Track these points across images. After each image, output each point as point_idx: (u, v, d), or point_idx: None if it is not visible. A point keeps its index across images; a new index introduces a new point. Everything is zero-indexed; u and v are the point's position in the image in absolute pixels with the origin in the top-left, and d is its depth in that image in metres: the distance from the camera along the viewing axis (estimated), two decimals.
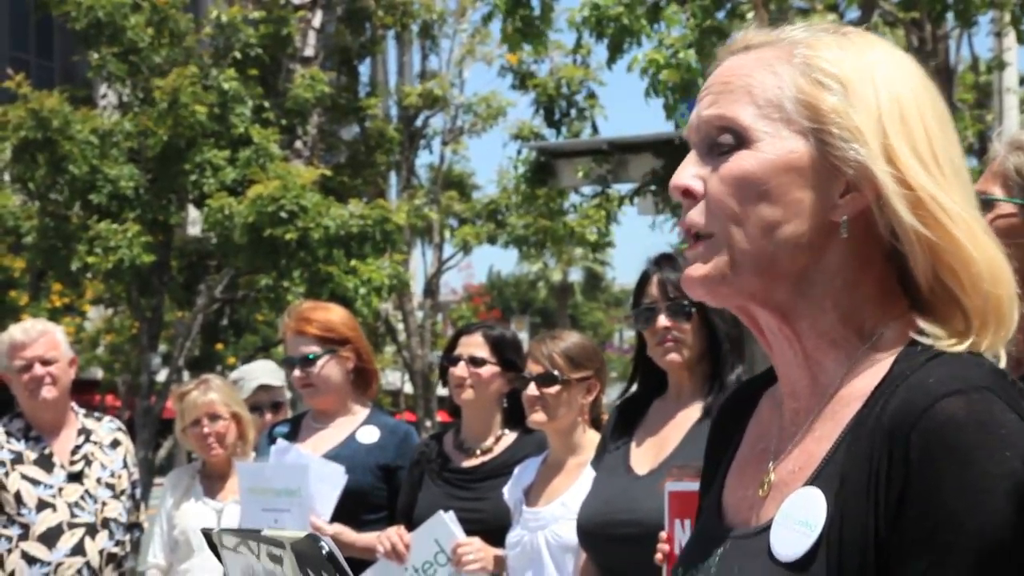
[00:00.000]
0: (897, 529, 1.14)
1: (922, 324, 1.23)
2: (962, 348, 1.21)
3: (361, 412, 4.10)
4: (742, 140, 1.25)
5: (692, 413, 3.09)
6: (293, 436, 4.09)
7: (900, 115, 1.22)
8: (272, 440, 4.11)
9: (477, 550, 3.51)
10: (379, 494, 3.92)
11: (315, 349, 4.00)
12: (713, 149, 1.27)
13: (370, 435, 3.99)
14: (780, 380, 1.33)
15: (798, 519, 1.19)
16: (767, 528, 1.23)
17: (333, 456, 3.92)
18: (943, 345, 1.21)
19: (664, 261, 3.14)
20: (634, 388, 3.30)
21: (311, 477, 3.80)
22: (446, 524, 3.56)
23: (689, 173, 1.28)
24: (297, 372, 4.01)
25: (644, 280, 3.14)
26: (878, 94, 1.23)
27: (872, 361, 1.24)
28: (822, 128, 1.22)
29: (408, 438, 4.06)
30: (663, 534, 2.80)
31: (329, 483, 3.82)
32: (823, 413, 1.25)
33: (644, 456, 3.10)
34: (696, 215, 1.27)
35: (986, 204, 2.07)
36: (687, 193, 1.27)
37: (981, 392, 1.15)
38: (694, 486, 2.82)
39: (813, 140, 1.23)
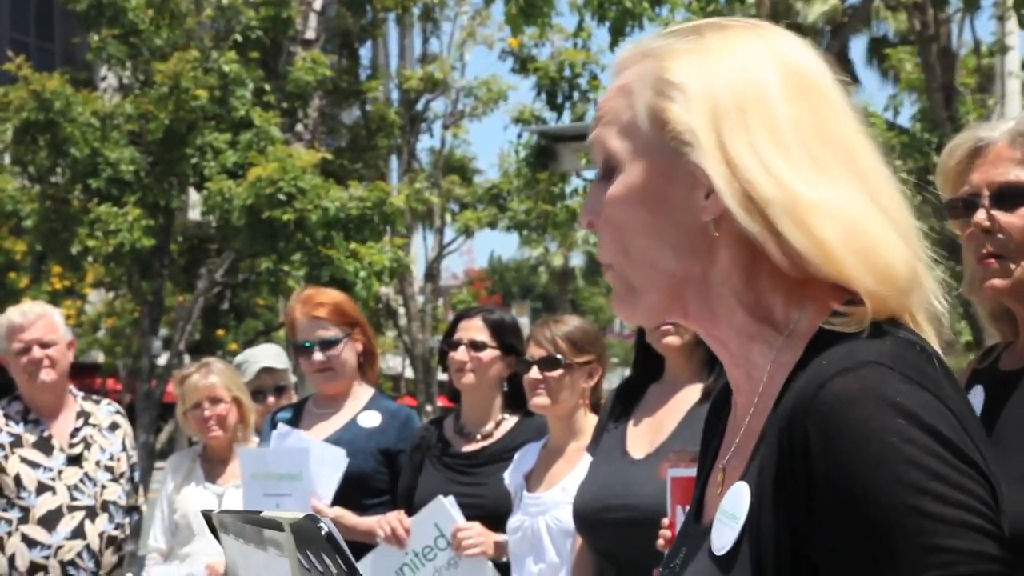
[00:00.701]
0: (810, 515, 1.14)
1: (833, 305, 1.23)
2: (866, 320, 1.20)
3: (363, 396, 4.09)
4: (614, 166, 1.28)
5: (690, 396, 3.08)
6: (295, 421, 4.08)
7: (737, 106, 1.23)
8: (274, 425, 4.10)
9: (477, 535, 3.51)
10: (380, 478, 3.91)
11: (335, 332, 3.99)
12: (601, 177, 1.31)
13: (372, 419, 3.98)
14: (728, 377, 1.35)
15: (729, 513, 1.22)
16: (711, 524, 1.26)
17: (335, 440, 3.91)
18: (852, 321, 1.20)
19: None
20: (630, 372, 3.29)
21: (312, 461, 3.79)
22: (446, 509, 3.55)
23: (587, 208, 1.32)
24: (318, 356, 3.97)
25: None
26: (716, 91, 1.23)
27: (790, 350, 1.24)
28: (670, 138, 1.25)
29: (409, 422, 4.05)
30: (665, 520, 2.79)
31: (330, 466, 3.82)
32: (756, 407, 1.27)
33: (640, 440, 3.09)
34: (599, 248, 1.32)
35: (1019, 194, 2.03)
36: (590, 225, 1.31)
37: (870, 367, 1.15)
38: (695, 471, 2.82)
39: (669, 152, 1.25)
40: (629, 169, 1.27)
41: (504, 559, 3.51)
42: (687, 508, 2.73)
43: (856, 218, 1.21)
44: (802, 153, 1.22)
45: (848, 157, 1.24)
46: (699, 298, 1.27)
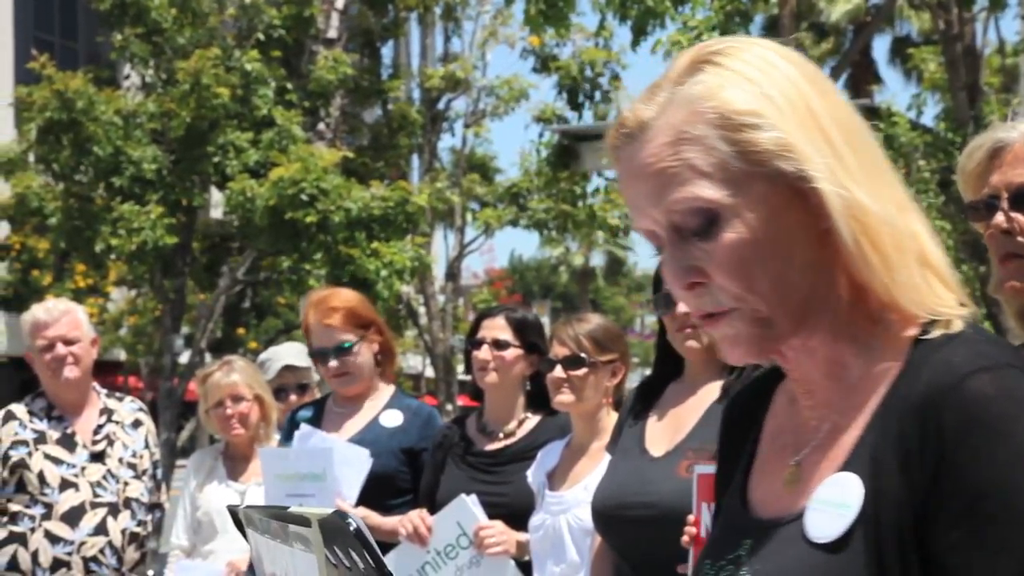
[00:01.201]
0: (934, 505, 1.16)
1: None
2: (959, 322, 1.24)
3: (384, 394, 4.07)
4: (714, 217, 1.24)
5: (710, 394, 3.08)
6: (316, 420, 4.07)
7: (805, 111, 1.24)
8: (295, 424, 4.09)
9: (499, 533, 3.50)
10: (404, 478, 3.90)
11: (349, 336, 3.96)
12: (683, 234, 1.26)
13: (393, 419, 3.97)
14: (793, 379, 1.34)
15: (833, 502, 1.22)
16: (799, 516, 1.25)
17: (357, 440, 3.90)
18: (943, 315, 1.24)
19: None
20: (650, 371, 3.29)
21: (335, 460, 3.78)
22: (468, 507, 3.55)
23: (680, 267, 1.27)
24: (333, 363, 3.95)
25: None
26: (781, 106, 1.24)
27: (888, 346, 1.26)
28: (768, 164, 1.23)
29: (431, 420, 4.05)
30: (690, 517, 2.78)
31: (354, 467, 3.80)
32: (845, 405, 1.27)
33: (660, 438, 3.08)
34: (707, 303, 1.27)
35: None
36: (690, 286, 1.27)
37: (1007, 369, 1.18)
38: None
39: (769, 179, 1.23)
40: (736, 210, 1.23)
41: (526, 558, 3.50)
42: (714, 505, 2.73)
43: (898, 231, 1.24)
44: (850, 152, 1.25)
45: (875, 153, 1.28)
46: (820, 310, 1.27)
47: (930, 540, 1.16)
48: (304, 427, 4.00)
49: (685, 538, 2.79)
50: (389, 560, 3.56)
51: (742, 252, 1.23)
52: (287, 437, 4.11)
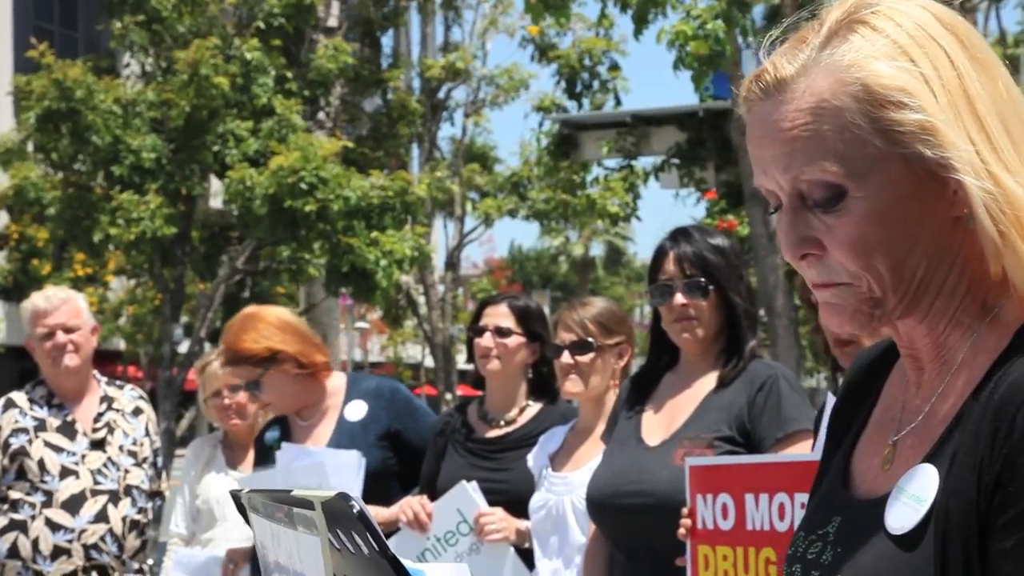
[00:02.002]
0: (994, 505, 1.12)
1: None
2: None
3: (339, 388, 3.94)
4: (842, 193, 1.20)
5: (706, 384, 3.07)
6: (284, 439, 3.96)
7: (958, 94, 1.18)
8: (265, 447, 3.99)
9: (500, 520, 3.50)
10: (391, 464, 3.86)
11: (252, 373, 3.83)
12: (805, 203, 1.23)
13: (358, 410, 3.87)
14: (904, 356, 1.31)
15: (911, 494, 1.19)
16: (883, 500, 1.22)
17: (333, 447, 3.80)
18: None
19: (681, 236, 3.10)
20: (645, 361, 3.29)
21: (329, 471, 3.68)
22: (468, 494, 3.54)
23: (798, 238, 1.23)
24: (249, 397, 3.92)
25: (660, 255, 3.11)
26: (943, 84, 1.18)
27: (992, 337, 1.22)
28: (911, 146, 1.18)
29: (395, 395, 3.95)
30: (685, 509, 2.78)
31: (349, 471, 3.72)
32: (945, 390, 1.24)
33: (656, 427, 3.08)
34: (824, 273, 1.24)
35: None
36: (804, 257, 1.24)
37: None
38: (714, 460, 2.81)
39: (908, 161, 1.19)
40: (868, 187, 1.20)
41: (526, 545, 3.50)
42: (709, 497, 2.73)
43: None
44: (1005, 136, 1.19)
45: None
46: (932, 293, 1.24)
47: (991, 543, 1.12)
48: (287, 446, 3.87)
49: (681, 531, 2.78)
50: (394, 544, 3.56)
51: (865, 232, 1.20)
52: (261, 461, 3.99)
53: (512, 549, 3.52)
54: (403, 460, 3.85)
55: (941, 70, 1.19)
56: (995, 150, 1.18)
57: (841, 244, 1.21)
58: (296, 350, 3.82)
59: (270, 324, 3.85)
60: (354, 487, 3.73)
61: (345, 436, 3.84)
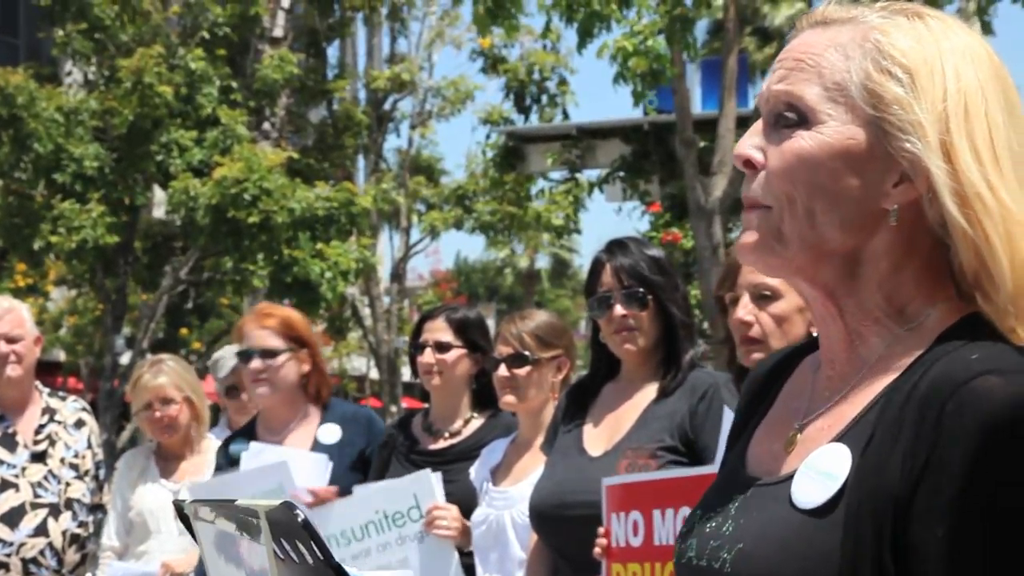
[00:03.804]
0: (920, 491, 1.16)
1: (967, 311, 1.25)
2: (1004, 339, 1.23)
3: (314, 414, 3.98)
4: (805, 119, 1.27)
5: (647, 395, 3.11)
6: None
7: (964, 109, 1.23)
8: (229, 457, 3.97)
9: (453, 518, 3.50)
10: None
11: (277, 344, 3.89)
12: (778, 123, 1.29)
13: (331, 434, 3.89)
14: (821, 346, 1.36)
15: (821, 470, 1.23)
16: (789, 478, 1.26)
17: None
18: (985, 332, 1.23)
19: (617, 248, 3.14)
20: (587, 372, 3.32)
21: (293, 471, 3.68)
22: (430, 484, 3.54)
23: (750, 143, 1.31)
24: (256, 363, 3.86)
25: (597, 268, 3.14)
26: (945, 86, 1.24)
27: (914, 339, 1.27)
28: (883, 117, 1.24)
29: (372, 422, 4.01)
30: (601, 529, 2.83)
31: (314, 474, 3.71)
32: (859, 381, 1.29)
33: (598, 438, 3.11)
34: (755, 187, 1.30)
35: None
36: (748, 163, 1.30)
37: (1022, 375, 1.16)
38: (627, 479, 2.87)
39: (873, 128, 1.25)
40: (827, 129, 1.26)
41: (469, 548, 3.52)
42: (622, 516, 2.77)
43: None
44: (1011, 172, 1.24)
45: None
46: (840, 271, 1.28)
47: (911, 528, 1.16)
48: (255, 444, 3.88)
49: (597, 550, 2.83)
50: (334, 508, 3.55)
51: (802, 160, 1.26)
52: (225, 470, 3.95)
53: (456, 552, 3.53)
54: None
55: (965, 83, 1.24)
56: (1003, 178, 1.22)
57: (777, 160, 1.28)
58: (319, 358, 3.99)
59: (304, 320, 4.10)
60: (320, 485, 3.72)
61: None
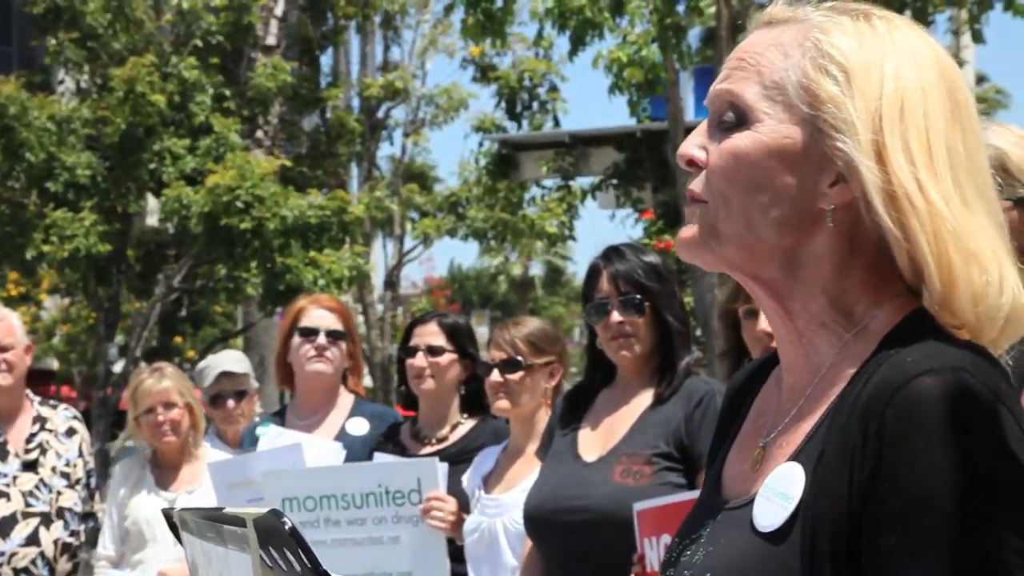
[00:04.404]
0: (869, 504, 1.15)
1: (912, 307, 1.25)
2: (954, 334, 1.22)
3: (346, 403, 4.06)
4: (743, 119, 1.27)
5: (643, 400, 3.11)
6: None
7: (900, 109, 1.23)
8: (255, 440, 4.03)
9: (449, 512, 3.49)
10: None
11: (339, 327, 4.04)
12: (721, 124, 1.30)
13: (360, 427, 3.96)
14: (779, 353, 1.36)
15: (779, 492, 1.22)
16: (752, 500, 1.25)
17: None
18: (932, 328, 1.22)
19: (613, 254, 3.14)
20: (582, 378, 3.32)
21: (306, 455, 3.73)
22: (435, 472, 3.54)
23: (694, 143, 1.32)
24: (322, 339, 3.98)
25: (594, 274, 3.14)
26: (882, 86, 1.23)
27: (862, 343, 1.26)
28: (818, 116, 1.24)
29: (397, 421, 4.05)
30: (636, 555, 2.82)
31: (326, 460, 3.77)
32: (814, 393, 1.28)
33: (593, 443, 3.11)
34: (696, 183, 1.31)
35: None
36: (691, 163, 1.31)
37: (956, 372, 1.16)
38: (659, 502, 2.84)
39: (809, 127, 1.25)
40: (764, 128, 1.26)
41: (459, 543, 3.51)
42: (654, 539, 2.75)
43: (983, 259, 1.22)
44: (948, 175, 1.23)
45: (984, 188, 1.26)
46: (781, 271, 1.28)
47: (864, 540, 1.15)
48: (273, 428, 3.99)
49: None
50: (341, 474, 3.57)
51: (739, 162, 1.26)
52: (249, 448, 4.04)
53: (444, 543, 3.52)
54: None
55: (903, 83, 1.23)
56: (935, 178, 1.22)
57: (716, 159, 1.28)
58: (359, 354, 4.14)
59: (354, 324, 4.25)
60: None
61: (345, 447, 3.88)
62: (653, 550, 2.78)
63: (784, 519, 1.20)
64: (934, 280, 1.21)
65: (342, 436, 3.93)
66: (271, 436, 3.93)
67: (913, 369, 1.17)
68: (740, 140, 1.27)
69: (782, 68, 1.27)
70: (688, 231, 1.31)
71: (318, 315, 4.04)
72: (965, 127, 1.26)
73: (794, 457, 1.24)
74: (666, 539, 2.74)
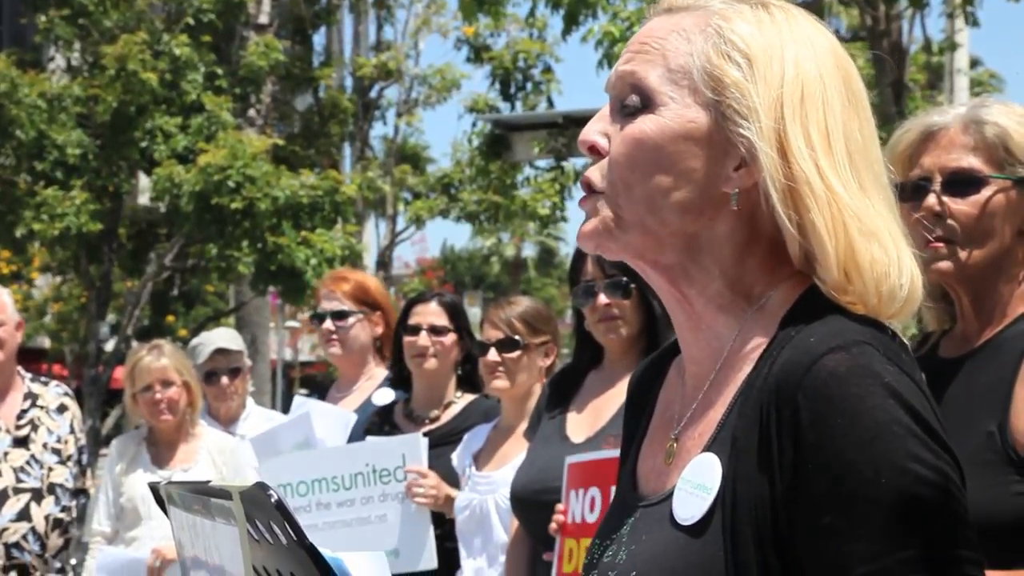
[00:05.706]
0: (796, 487, 1.16)
1: (805, 285, 1.26)
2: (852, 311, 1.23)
3: (379, 376, 4.14)
4: (647, 102, 1.27)
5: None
6: None
7: (801, 96, 1.24)
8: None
9: (430, 487, 3.51)
10: None
11: (349, 307, 4.09)
12: (624, 108, 1.29)
13: (385, 397, 3.98)
14: (680, 341, 1.35)
15: (696, 483, 1.22)
16: (670, 495, 1.25)
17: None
18: (827, 305, 1.23)
19: None
20: (570, 360, 3.33)
21: (314, 423, 3.83)
22: (419, 448, 3.57)
23: (596, 129, 1.31)
24: (328, 324, 4.10)
25: (580, 257, 3.15)
26: (783, 73, 1.24)
27: (761, 324, 1.26)
28: (722, 101, 1.24)
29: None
30: (559, 506, 2.85)
31: (334, 428, 3.86)
32: (718, 378, 1.28)
33: (580, 425, 3.13)
34: (594, 171, 1.30)
35: (978, 182, 2.02)
36: (592, 149, 1.30)
37: (860, 346, 1.17)
38: (590, 456, 2.88)
39: (714, 112, 1.25)
40: (667, 113, 1.26)
41: (451, 516, 3.53)
42: (580, 492, 2.79)
43: (883, 240, 1.24)
44: (846, 161, 1.24)
45: (879, 175, 1.28)
46: (682, 255, 1.28)
47: (791, 523, 1.16)
48: (298, 398, 4.14)
49: (553, 526, 2.85)
50: (331, 456, 3.59)
51: (642, 144, 1.26)
52: None
53: (430, 522, 3.53)
54: None
55: (803, 70, 1.25)
56: (834, 164, 1.23)
57: (618, 146, 1.27)
58: (390, 318, 4.13)
59: (378, 284, 4.34)
60: (338, 441, 3.83)
61: (364, 415, 3.94)
62: (578, 501, 2.83)
63: (704, 510, 1.20)
64: (832, 267, 1.22)
65: (366, 405, 4.01)
66: (296, 407, 4.07)
67: (818, 348, 1.17)
68: (644, 124, 1.26)
69: (686, 53, 1.27)
70: (588, 224, 1.29)
71: (325, 299, 4.17)
72: (861, 116, 1.28)
73: (708, 447, 1.24)
74: (593, 492, 2.79)
